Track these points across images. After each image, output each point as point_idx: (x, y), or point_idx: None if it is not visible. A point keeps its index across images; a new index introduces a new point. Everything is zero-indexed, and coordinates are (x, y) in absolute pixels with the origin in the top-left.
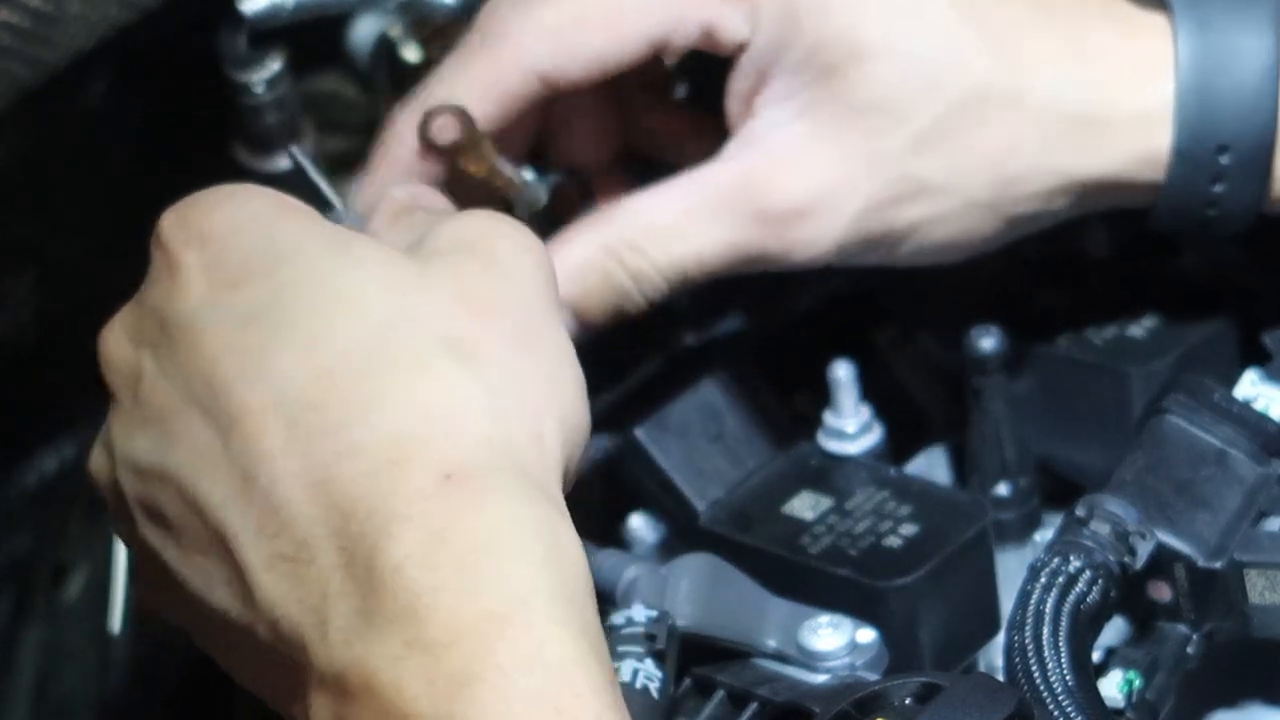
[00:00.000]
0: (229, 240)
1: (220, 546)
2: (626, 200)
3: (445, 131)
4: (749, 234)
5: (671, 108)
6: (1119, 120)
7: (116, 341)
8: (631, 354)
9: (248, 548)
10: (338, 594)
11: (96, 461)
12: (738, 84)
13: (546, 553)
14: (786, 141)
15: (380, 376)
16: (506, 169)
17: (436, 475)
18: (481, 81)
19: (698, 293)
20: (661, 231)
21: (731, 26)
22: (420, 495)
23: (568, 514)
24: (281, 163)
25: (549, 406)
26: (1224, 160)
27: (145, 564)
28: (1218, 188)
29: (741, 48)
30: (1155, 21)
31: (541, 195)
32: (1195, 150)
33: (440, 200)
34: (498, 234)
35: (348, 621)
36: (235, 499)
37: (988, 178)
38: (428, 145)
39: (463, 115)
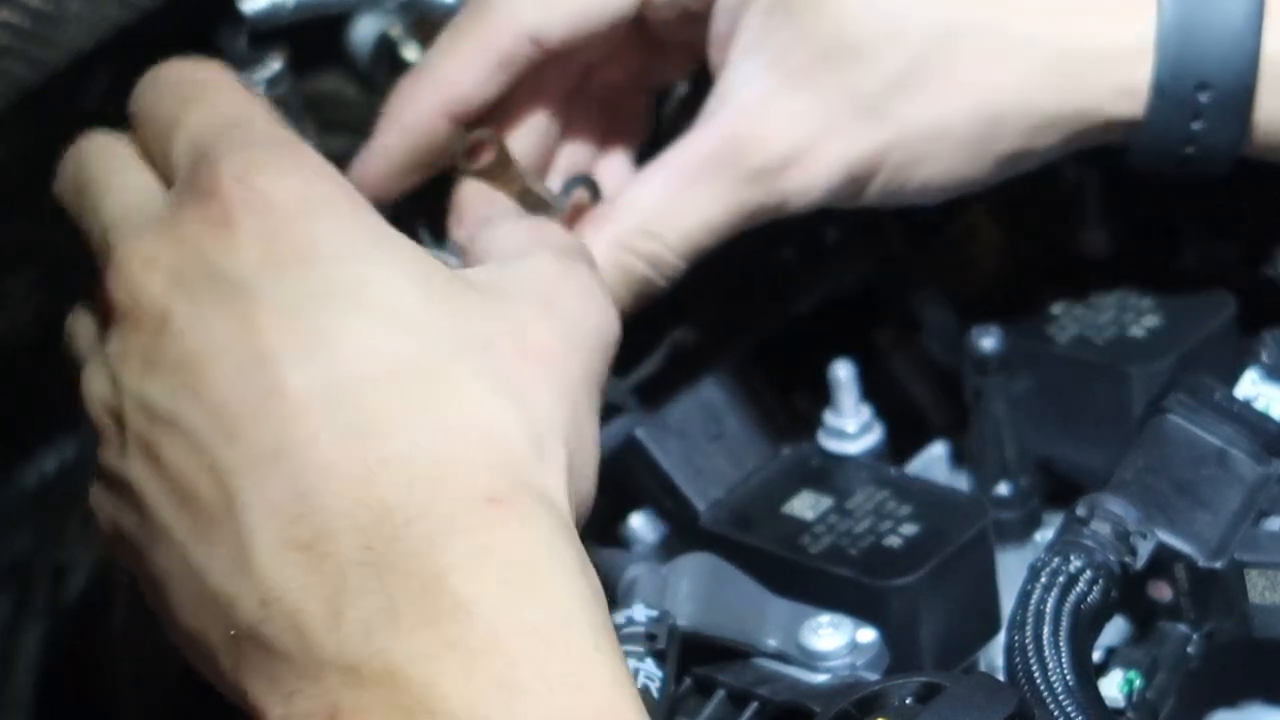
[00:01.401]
0: (295, 218)
1: (224, 512)
2: (624, 193)
3: (479, 154)
4: (744, 193)
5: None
6: (1100, 55)
7: (147, 267)
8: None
9: (257, 524)
10: (357, 589)
11: (98, 388)
12: (715, 28)
13: (583, 576)
14: (761, 95)
15: (429, 393)
16: (537, 187)
17: (480, 497)
18: (475, 49)
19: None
20: (667, 212)
21: None
22: (465, 511)
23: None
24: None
25: (574, 464)
26: (1203, 98)
27: (121, 498)
28: (1196, 125)
29: None
30: None
31: (565, 208)
32: (1175, 86)
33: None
34: (568, 285)
35: (368, 616)
36: (254, 471)
37: (969, 115)
38: (462, 167)
39: (496, 138)
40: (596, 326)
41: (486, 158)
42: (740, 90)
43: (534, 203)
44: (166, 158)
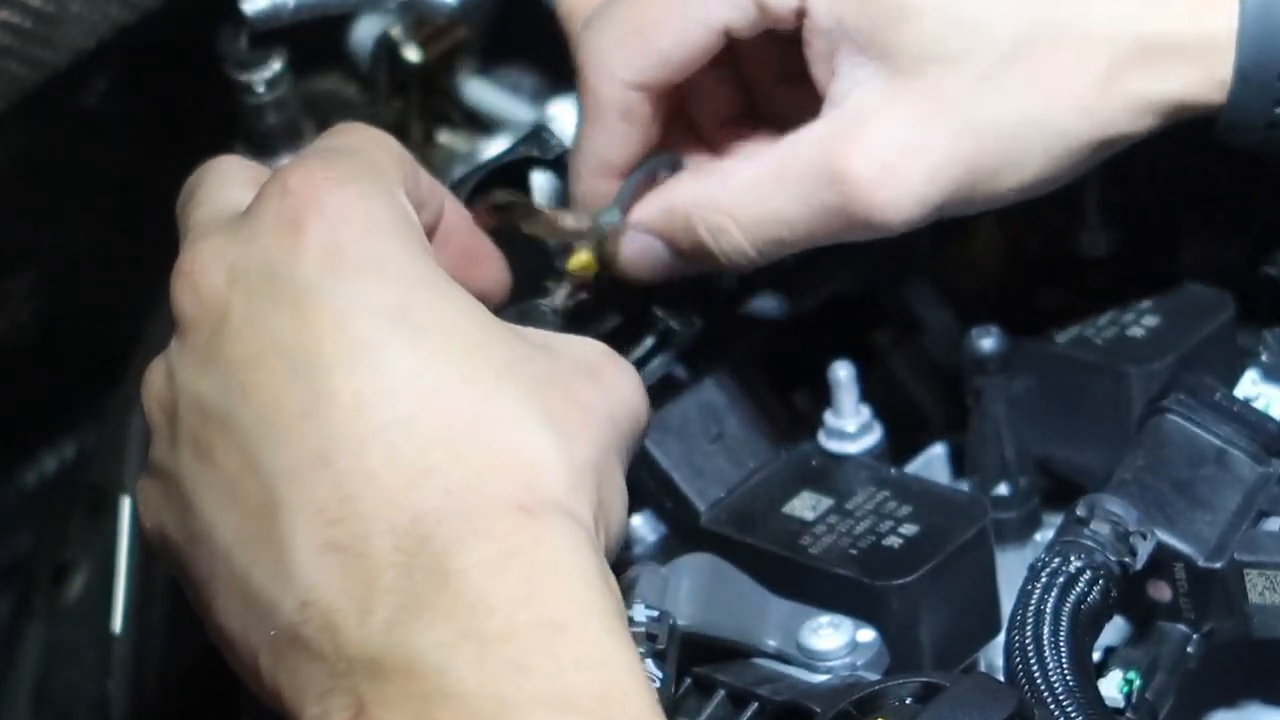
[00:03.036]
0: (362, 231)
1: (268, 515)
2: (725, 163)
3: (496, 198)
4: (827, 196)
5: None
6: (1184, 45)
7: (211, 263)
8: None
9: (298, 526)
10: (387, 589)
11: (156, 383)
12: (812, 49)
13: (604, 584)
14: (861, 103)
15: (477, 414)
16: (564, 220)
17: (512, 505)
18: (597, 114)
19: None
20: (747, 195)
21: None
22: (495, 517)
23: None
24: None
25: (604, 509)
26: None
27: (168, 495)
28: (1279, 110)
29: (801, 14)
30: None
31: (614, 223)
32: (1257, 74)
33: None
34: (612, 363)
35: (392, 613)
36: (300, 475)
37: (1064, 106)
38: (484, 224)
39: (508, 194)
40: (633, 407)
41: (505, 199)
42: (848, 96)
43: (561, 235)
44: None
